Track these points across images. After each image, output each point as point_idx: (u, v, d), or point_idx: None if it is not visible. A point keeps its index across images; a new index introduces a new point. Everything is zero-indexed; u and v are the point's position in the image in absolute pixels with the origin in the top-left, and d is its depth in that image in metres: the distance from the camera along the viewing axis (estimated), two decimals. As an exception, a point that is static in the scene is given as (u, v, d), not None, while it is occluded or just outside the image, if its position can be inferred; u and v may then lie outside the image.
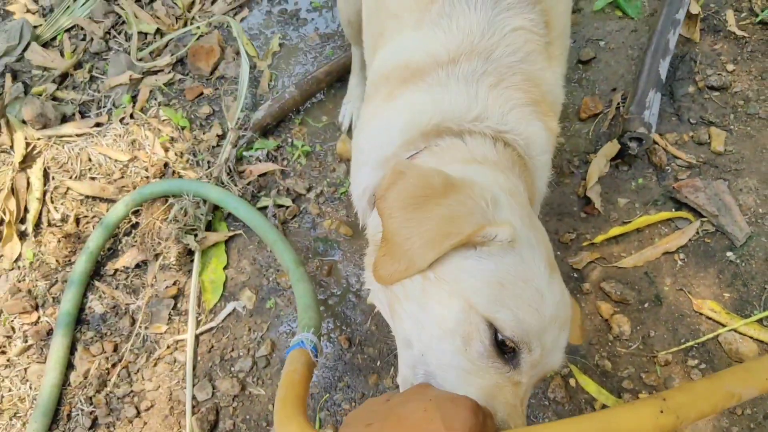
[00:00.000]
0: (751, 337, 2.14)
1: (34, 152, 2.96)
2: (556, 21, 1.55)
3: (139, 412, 2.28)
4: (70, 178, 2.87)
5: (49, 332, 2.47)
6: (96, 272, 2.60)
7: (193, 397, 2.27)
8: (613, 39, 2.96)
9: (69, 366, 2.38)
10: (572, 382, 2.15)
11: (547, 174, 1.56)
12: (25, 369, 2.42)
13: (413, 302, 1.13)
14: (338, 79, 3.00)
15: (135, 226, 2.67)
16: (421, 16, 1.51)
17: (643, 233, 2.42)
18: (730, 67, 2.74)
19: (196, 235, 2.56)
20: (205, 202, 2.63)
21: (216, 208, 2.67)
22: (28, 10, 3.60)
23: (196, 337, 2.40)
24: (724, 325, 2.17)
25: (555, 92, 1.55)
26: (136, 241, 2.62)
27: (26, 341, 2.48)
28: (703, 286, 2.27)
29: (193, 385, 2.29)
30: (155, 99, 3.10)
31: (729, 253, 2.31)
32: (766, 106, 2.61)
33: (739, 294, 2.24)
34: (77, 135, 3.00)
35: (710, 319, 2.20)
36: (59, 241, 2.65)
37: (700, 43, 2.83)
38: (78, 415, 2.28)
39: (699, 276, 2.29)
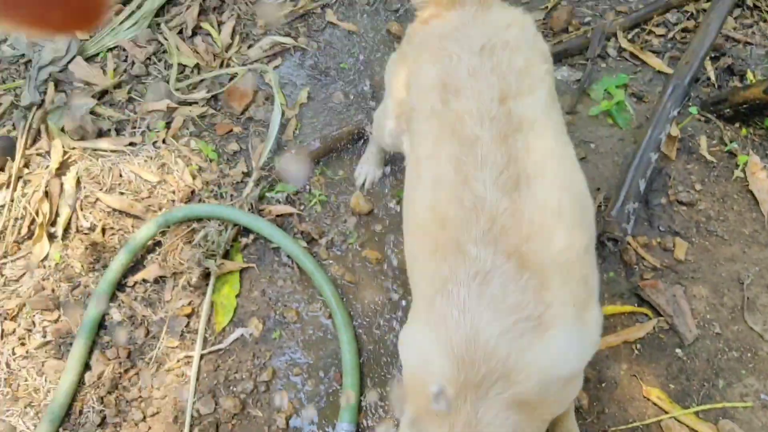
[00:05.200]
0: (687, 426, 2.49)
1: (69, 161, 3.20)
2: (554, 287, 1.50)
3: (144, 417, 2.50)
4: (101, 190, 3.11)
5: (68, 331, 2.69)
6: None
7: (197, 410, 2.51)
8: (603, 144, 3.37)
9: (85, 366, 2.60)
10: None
11: None
12: (43, 363, 2.63)
13: None
14: (358, 139, 3.33)
15: (158, 244, 2.92)
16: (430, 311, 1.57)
17: (608, 321, 2.78)
18: (698, 186, 3.16)
19: (215, 260, 2.82)
20: (227, 229, 2.89)
21: (235, 239, 2.94)
22: (76, 24, 3.85)
23: (203, 356, 2.65)
24: (666, 412, 2.52)
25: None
26: (158, 258, 2.87)
27: (45, 337, 2.69)
28: (653, 376, 2.64)
29: (197, 399, 2.53)
30: (187, 129, 3.38)
31: (678, 350, 2.69)
32: (723, 226, 3.04)
33: (683, 387, 2.60)
34: (111, 151, 3.25)
35: (656, 405, 2.56)
36: (86, 248, 2.88)
37: (675, 161, 3.26)
38: (89, 412, 2.49)
39: (651, 366, 2.66)
